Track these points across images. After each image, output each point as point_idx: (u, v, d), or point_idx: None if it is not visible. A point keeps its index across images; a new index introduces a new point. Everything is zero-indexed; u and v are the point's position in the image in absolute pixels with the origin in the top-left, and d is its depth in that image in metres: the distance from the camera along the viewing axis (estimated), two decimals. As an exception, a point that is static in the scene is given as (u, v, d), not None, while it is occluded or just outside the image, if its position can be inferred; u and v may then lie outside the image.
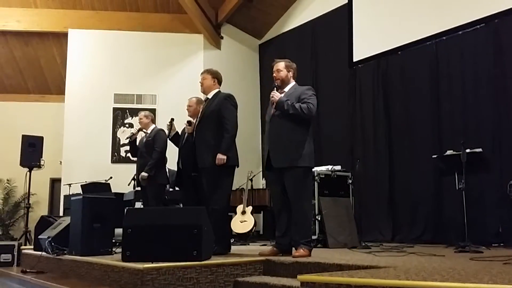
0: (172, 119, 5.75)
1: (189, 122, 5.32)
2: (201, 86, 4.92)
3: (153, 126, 6.49)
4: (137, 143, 6.46)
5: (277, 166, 4.23)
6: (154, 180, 6.06)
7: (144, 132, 6.46)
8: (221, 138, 4.53)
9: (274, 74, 4.47)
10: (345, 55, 8.48)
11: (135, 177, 6.60)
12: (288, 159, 4.16)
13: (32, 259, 5.36)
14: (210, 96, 4.83)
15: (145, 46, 9.85)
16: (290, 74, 4.47)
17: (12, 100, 11.17)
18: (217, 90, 4.85)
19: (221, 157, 4.46)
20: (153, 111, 6.70)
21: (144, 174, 6.00)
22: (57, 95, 10.76)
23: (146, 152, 6.23)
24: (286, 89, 4.43)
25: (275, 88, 4.39)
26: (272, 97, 4.30)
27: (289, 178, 4.17)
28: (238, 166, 4.69)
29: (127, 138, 6.62)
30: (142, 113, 6.61)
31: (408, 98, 7.42)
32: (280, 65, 4.47)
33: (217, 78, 4.89)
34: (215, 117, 4.62)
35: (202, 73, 4.95)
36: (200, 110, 4.89)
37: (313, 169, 4.60)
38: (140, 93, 9.72)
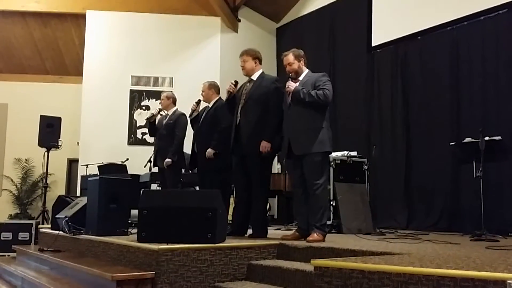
0: (200, 100, 5.73)
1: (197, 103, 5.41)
2: (242, 69, 4.74)
3: (174, 108, 6.39)
4: (156, 123, 6.40)
5: (298, 153, 4.25)
6: (174, 164, 6.06)
7: (165, 113, 6.40)
8: (266, 124, 4.49)
9: (287, 69, 4.45)
10: (363, 40, 8.39)
11: (152, 158, 6.59)
12: (307, 146, 4.20)
13: (49, 238, 5.44)
14: (254, 77, 4.70)
15: (163, 28, 9.85)
16: (302, 63, 4.45)
17: (30, 80, 11.27)
18: (260, 71, 4.75)
19: (265, 145, 4.42)
20: (169, 93, 6.66)
21: (168, 160, 5.98)
22: (75, 76, 10.83)
23: (166, 135, 6.19)
24: (301, 77, 4.43)
25: (289, 78, 4.39)
26: (288, 87, 4.30)
27: (307, 164, 4.21)
28: (281, 150, 4.66)
29: (147, 118, 6.52)
30: (164, 94, 6.50)
31: (427, 84, 7.32)
32: (290, 58, 4.43)
33: (258, 58, 4.76)
34: (263, 101, 4.55)
35: (241, 55, 4.77)
36: (243, 91, 4.71)
37: (330, 154, 4.60)
38: (156, 76, 9.75)
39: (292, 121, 4.34)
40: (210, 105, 5.64)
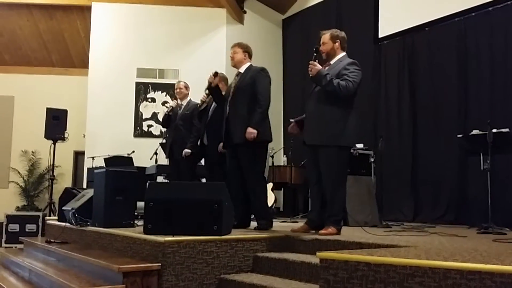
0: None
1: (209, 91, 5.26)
2: (231, 60, 4.78)
3: (188, 97, 6.33)
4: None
5: (309, 143, 4.14)
6: (193, 155, 6.00)
7: (179, 103, 6.31)
8: (254, 111, 4.47)
9: (320, 48, 4.23)
10: (370, 31, 8.34)
11: (167, 149, 6.50)
12: (321, 137, 4.03)
13: (56, 229, 5.47)
14: (242, 70, 4.71)
15: (168, 20, 9.83)
16: (337, 45, 4.20)
17: (36, 73, 11.31)
18: (248, 64, 4.75)
19: (250, 131, 4.38)
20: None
21: (188, 151, 5.92)
22: (80, 69, 10.85)
23: (183, 125, 6.13)
24: (332, 61, 4.20)
25: (314, 59, 4.12)
26: (310, 70, 4.06)
27: (324, 156, 4.04)
28: (271, 141, 4.65)
29: (167, 112, 6.37)
30: (181, 83, 6.36)
31: (434, 75, 7.28)
32: (325, 37, 4.22)
33: (248, 52, 4.77)
34: (249, 91, 4.53)
35: (232, 47, 4.80)
36: (232, 85, 4.74)
37: (350, 149, 4.35)
38: (162, 68, 9.74)
39: (311, 108, 4.17)
40: None
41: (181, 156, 5.99)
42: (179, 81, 6.53)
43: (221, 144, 5.24)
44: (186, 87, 6.35)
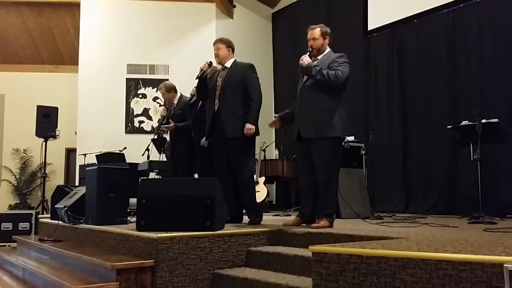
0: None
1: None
2: (216, 57, 4.76)
3: (178, 95, 6.26)
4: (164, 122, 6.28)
5: (306, 136, 4.16)
6: (185, 151, 5.98)
7: (171, 105, 6.25)
8: (248, 108, 4.52)
9: (310, 43, 4.30)
10: (359, 24, 8.34)
11: (157, 143, 6.45)
12: (316, 129, 4.08)
13: (49, 227, 5.45)
14: (228, 65, 4.72)
15: (158, 15, 9.77)
16: (326, 41, 4.32)
17: (26, 70, 11.24)
18: (233, 59, 4.77)
19: (250, 127, 4.45)
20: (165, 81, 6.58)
21: (172, 123, 5.88)
22: (70, 66, 10.79)
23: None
24: (320, 56, 4.28)
25: (308, 53, 4.24)
26: (302, 60, 4.17)
27: (317, 149, 4.08)
28: (258, 134, 4.68)
29: (160, 121, 6.31)
30: (162, 89, 6.27)
31: (424, 67, 7.31)
32: (316, 33, 4.28)
33: (231, 47, 4.78)
34: (240, 86, 4.56)
35: (215, 43, 4.79)
36: (220, 79, 4.70)
37: (343, 140, 4.49)
38: (152, 64, 9.70)
39: (303, 102, 4.23)
40: None
41: (180, 155, 5.98)
42: (160, 87, 6.41)
43: (203, 138, 5.22)
44: (168, 90, 6.23)
